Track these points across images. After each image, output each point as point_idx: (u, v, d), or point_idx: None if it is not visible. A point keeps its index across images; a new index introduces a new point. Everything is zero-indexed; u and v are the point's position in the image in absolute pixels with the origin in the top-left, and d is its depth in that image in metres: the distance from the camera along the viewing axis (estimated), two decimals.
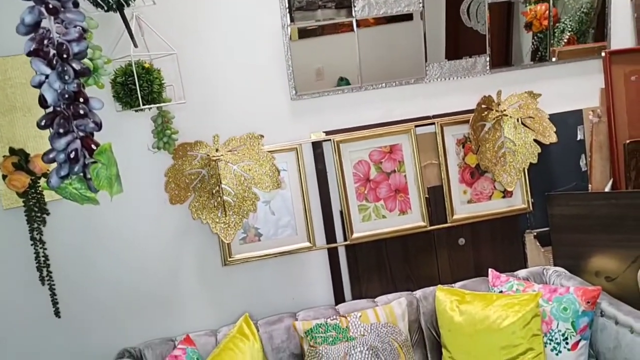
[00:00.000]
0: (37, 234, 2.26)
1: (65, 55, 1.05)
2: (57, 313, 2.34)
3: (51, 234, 2.31)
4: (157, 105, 2.18)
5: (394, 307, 2.37)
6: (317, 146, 2.54)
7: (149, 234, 2.45)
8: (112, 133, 2.05)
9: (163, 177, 2.34)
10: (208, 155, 2.35)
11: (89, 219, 2.38)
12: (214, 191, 2.36)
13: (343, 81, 2.52)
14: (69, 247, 2.37)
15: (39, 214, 2.25)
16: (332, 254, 2.61)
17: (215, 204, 2.37)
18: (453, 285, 2.55)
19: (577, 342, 2.19)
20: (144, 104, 2.11)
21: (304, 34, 2.46)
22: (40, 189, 2.23)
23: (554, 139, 2.54)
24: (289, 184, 2.52)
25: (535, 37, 2.64)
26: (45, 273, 2.29)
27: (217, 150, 2.36)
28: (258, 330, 2.37)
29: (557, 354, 2.20)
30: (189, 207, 2.37)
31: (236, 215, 2.39)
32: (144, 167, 2.39)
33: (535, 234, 2.69)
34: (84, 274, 2.41)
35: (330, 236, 2.58)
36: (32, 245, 2.26)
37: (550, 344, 2.21)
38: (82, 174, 1.10)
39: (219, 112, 2.44)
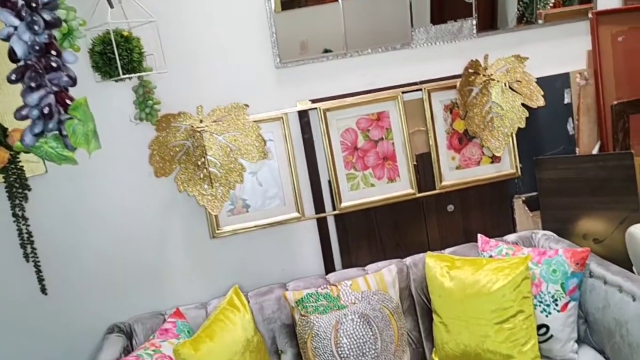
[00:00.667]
0: (19, 211, 2.21)
1: (34, 5, 0.99)
2: (43, 290, 2.30)
3: (34, 210, 2.26)
4: (138, 74, 2.13)
5: (384, 275, 2.37)
6: (303, 115, 2.51)
7: (134, 208, 2.41)
8: (92, 104, 1.99)
9: (147, 150, 2.29)
10: (192, 126, 2.30)
11: (72, 194, 2.33)
12: (199, 163, 2.32)
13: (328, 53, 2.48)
14: (53, 223, 2.33)
15: (20, 190, 2.19)
16: (321, 224, 2.59)
17: (202, 176, 2.33)
18: (443, 251, 2.55)
19: (567, 304, 2.20)
20: (123, 74, 2.05)
21: (287, 5, 2.41)
22: (20, 164, 2.17)
23: (541, 102, 2.52)
24: (275, 154, 2.48)
25: (521, 0, 2.60)
26: (29, 250, 2.24)
27: (201, 121, 2.31)
28: (248, 302, 2.35)
29: (546, 316, 2.21)
30: (175, 179, 2.33)
31: (223, 187, 2.35)
32: (127, 140, 2.34)
33: (523, 198, 2.69)
34: (70, 250, 2.37)
35: (319, 206, 2.56)
36: (14, 222, 2.21)
37: (540, 305, 2.22)
38: (57, 131, 1.05)
39: (202, 82, 2.39)
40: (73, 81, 1.07)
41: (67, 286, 2.38)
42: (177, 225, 2.47)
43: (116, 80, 2.13)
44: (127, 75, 2.07)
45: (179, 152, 2.32)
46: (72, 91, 1.27)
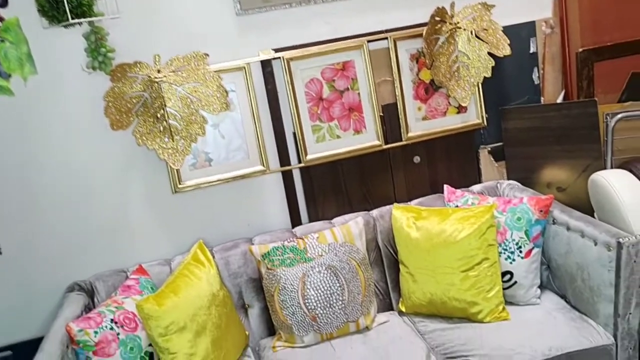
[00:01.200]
0: None
1: None
2: None
3: None
4: (88, 19, 2.00)
5: (351, 227, 2.35)
6: (266, 65, 2.42)
7: (92, 163, 2.31)
8: (40, 52, 1.89)
9: (102, 101, 2.18)
10: (149, 76, 2.20)
11: (23, 149, 2.22)
12: (158, 115, 2.23)
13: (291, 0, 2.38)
14: (6, 179, 2.22)
15: None
16: (287, 177, 2.54)
17: (161, 129, 2.25)
18: (409, 202, 2.54)
19: (530, 250, 2.23)
20: (72, 18, 1.93)
21: None
22: None
23: (507, 51, 2.49)
24: (238, 106, 2.40)
25: None
26: None
27: (159, 71, 2.21)
28: (213, 257, 2.31)
29: (511, 263, 2.24)
30: (133, 133, 2.24)
31: (184, 140, 2.28)
32: (81, 90, 2.23)
33: (489, 149, 2.70)
34: (25, 208, 2.27)
35: (284, 159, 2.51)
36: None
37: (504, 253, 2.25)
38: None
39: (159, 30, 2.28)
40: (3, 1, 0.98)
41: (23, 245, 2.29)
42: (138, 181, 2.38)
43: (65, 26, 2.01)
44: (76, 20, 1.95)
45: (136, 104, 2.23)
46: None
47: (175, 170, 2.36)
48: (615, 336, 1.99)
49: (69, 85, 2.20)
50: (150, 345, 1.97)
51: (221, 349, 2.06)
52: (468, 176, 2.70)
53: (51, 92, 2.19)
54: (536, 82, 2.68)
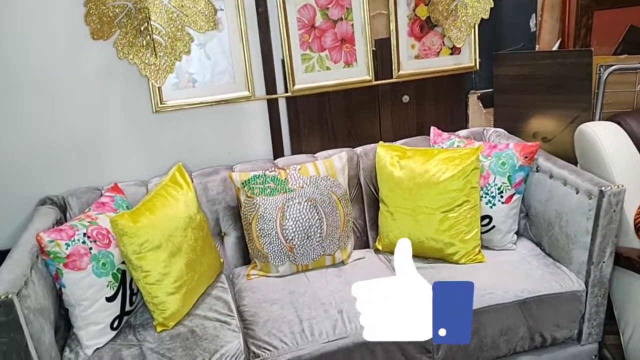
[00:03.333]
0: None
1: None
2: None
3: None
4: None
5: (334, 161, 2.31)
6: None
7: (69, 73, 2.20)
8: None
9: (83, 7, 2.06)
10: None
11: None
12: (142, 28, 2.13)
13: None
14: None
15: None
16: (272, 106, 2.47)
17: (144, 43, 2.15)
18: (394, 142, 2.50)
19: (512, 196, 2.23)
20: None
21: None
22: None
23: None
24: (226, 26, 2.30)
25: None
26: None
27: None
28: (192, 182, 2.26)
29: (491, 207, 2.24)
30: (114, 44, 2.13)
31: (167, 57, 2.18)
32: None
33: (479, 94, 2.66)
34: None
35: (270, 87, 2.43)
36: None
37: (485, 197, 2.25)
38: None
39: None
40: None
41: None
42: (117, 96, 2.29)
43: None
44: None
45: (119, 14, 2.11)
46: None
47: (157, 89, 2.27)
48: (586, 283, 2.02)
49: None
50: (123, 263, 1.94)
51: (195, 272, 2.04)
52: (455, 121, 2.67)
53: None
54: (533, 29, 2.62)
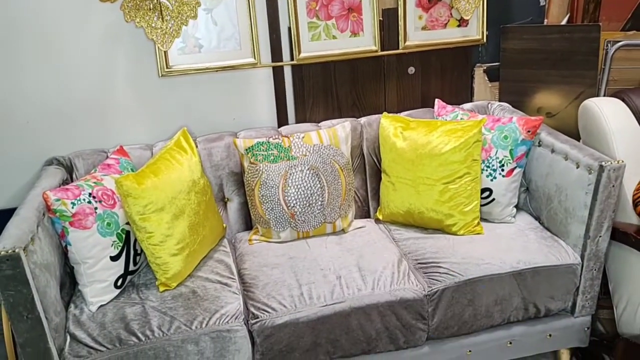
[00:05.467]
0: None
1: None
2: None
3: None
4: None
5: (337, 130, 2.33)
6: None
7: (75, 34, 2.21)
8: None
9: None
10: None
11: (1, 19, 2.10)
12: None
13: None
14: None
15: None
16: (277, 74, 2.48)
17: (151, 7, 2.15)
18: (399, 114, 2.51)
19: (513, 169, 2.25)
20: None
21: None
22: None
23: None
24: None
25: None
26: None
27: None
28: (197, 147, 2.28)
29: (492, 180, 2.25)
30: (121, 7, 2.14)
31: (174, 21, 2.19)
32: None
33: (484, 68, 2.66)
34: (6, 73, 2.19)
35: (276, 54, 2.44)
36: None
37: (486, 170, 2.26)
38: None
39: None
40: None
41: (2, 114, 2.23)
42: (124, 59, 2.30)
43: None
44: None
45: None
46: None
47: (163, 53, 2.28)
48: (582, 257, 2.05)
49: None
50: (127, 223, 1.98)
51: (198, 235, 2.08)
52: (460, 94, 2.67)
53: None
54: (542, 3, 2.60)
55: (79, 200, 1.87)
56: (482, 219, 2.27)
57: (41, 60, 2.21)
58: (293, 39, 2.39)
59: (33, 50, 2.19)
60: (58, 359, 1.71)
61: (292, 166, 2.22)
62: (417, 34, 2.52)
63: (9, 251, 1.56)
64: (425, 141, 2.23)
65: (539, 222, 2.27)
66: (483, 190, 2.26)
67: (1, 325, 1.91)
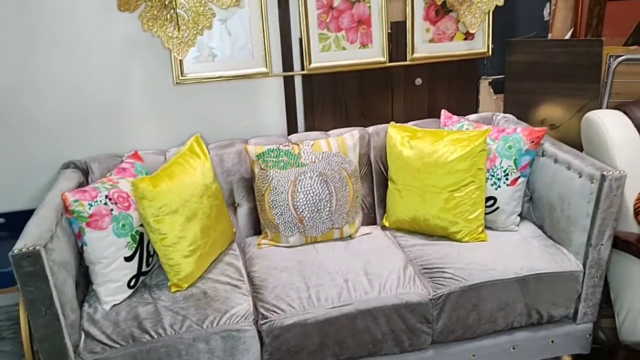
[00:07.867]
0: None
1: None
2: None
3: None
4: None
5: (345, 139, 2.39)
6: None
7: (93, 44, 2.29)
8: None
9: None
10: None
11: (23, 25, 2.19)
12: (166, 2, 2.21)
13: None
14: (6, 51, 2.20)
15: None
16: (288, 84, 2.55)
17: (168, 17, 2.23)
18: (406, 124, 2.57)
19: (517, 179, 2.30)
20: None
21: None
22: None
23: None
24: (247, 4, 2.38)
25: None
26: None
27: None
28: (209, 153, 2.35)
29: (496, 189, 2.31)
30: (139, 17, 2.21)
31: (190, 31, 2.26)
32: None
33: (490, 80, 2.72)
34: (21, 87, 2.27)
35: (287, 64, 2.51)
36: None
37: (491, 179, 2.31)
38: None
39: None
40: None
41: (19, 127, 2.31)
42: (140, 67, 2.38)
43: None
44: None
45: None
46: None
47: (178, 61, 2.35)
48: (584, 264, 2.09)
49: None
50: (141, 225, 2.03)
51: (209, 237, 2.13)
52: (466, 105, 2.73)
53: None
54: (546, 17, 2.67)
55: (96, 201, 1.93)
56: (487, 227, 2.32)
57: (61, 68, 2.28)
58: (304, 50, 2.47)
59: (54, 58, 2.26)
60: (73, 355, 1.76)
61: (301, 173, 2.28)
62: (424, 46, 2.59)
63: (30, 248, 1.62)
64: (431, 150, 2.29)
65: (542, 230, 2.32)
66: (488, 199, 2.31)
67: (18, 322, 1.97)
